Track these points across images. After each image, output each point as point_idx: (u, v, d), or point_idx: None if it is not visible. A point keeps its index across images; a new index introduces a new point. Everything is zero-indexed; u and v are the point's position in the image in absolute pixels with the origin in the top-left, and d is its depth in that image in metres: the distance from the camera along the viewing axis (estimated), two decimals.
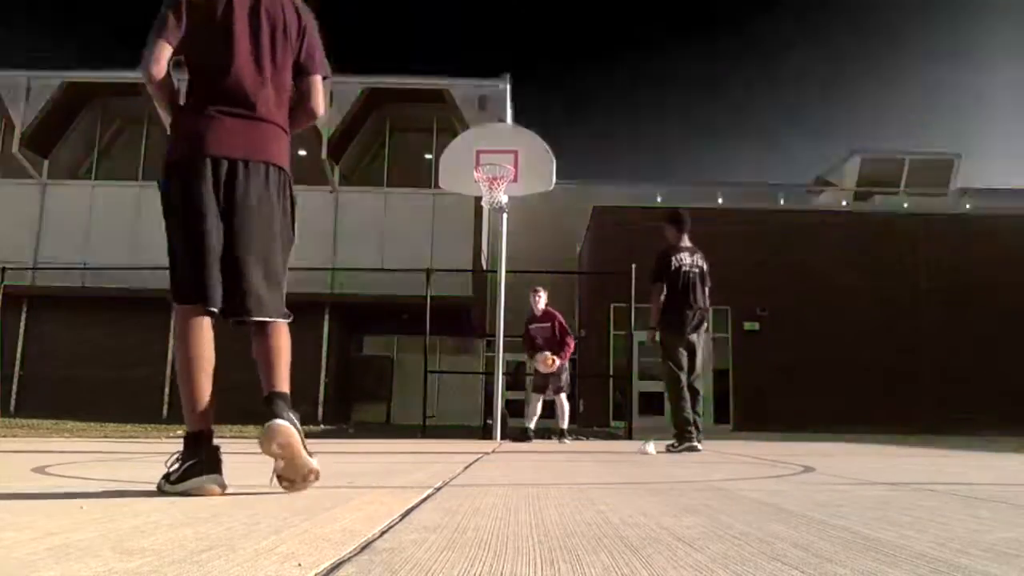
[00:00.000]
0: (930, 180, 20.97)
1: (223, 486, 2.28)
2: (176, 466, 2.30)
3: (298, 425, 2.28)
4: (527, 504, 2.17)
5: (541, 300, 8.43)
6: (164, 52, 2.36)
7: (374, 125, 19.22)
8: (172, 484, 2.27)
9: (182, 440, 2.37)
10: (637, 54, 73.92)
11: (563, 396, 8.36)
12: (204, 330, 2.35)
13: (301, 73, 2.56)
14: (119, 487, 2.57)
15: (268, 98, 2.43)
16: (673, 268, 6.10)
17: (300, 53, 2.53)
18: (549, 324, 8.37)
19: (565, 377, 8.39)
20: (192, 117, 2.37)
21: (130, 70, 21.97)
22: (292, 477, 2.27)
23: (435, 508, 2.06)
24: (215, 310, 2.35)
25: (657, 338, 6.23)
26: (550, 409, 8.51)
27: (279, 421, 2.22)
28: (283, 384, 2.38)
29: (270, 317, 2.40)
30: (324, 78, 2.63)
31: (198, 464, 2.27)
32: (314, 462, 2.28)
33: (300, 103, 2.58)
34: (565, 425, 8.37)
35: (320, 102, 2.60)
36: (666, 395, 6.24)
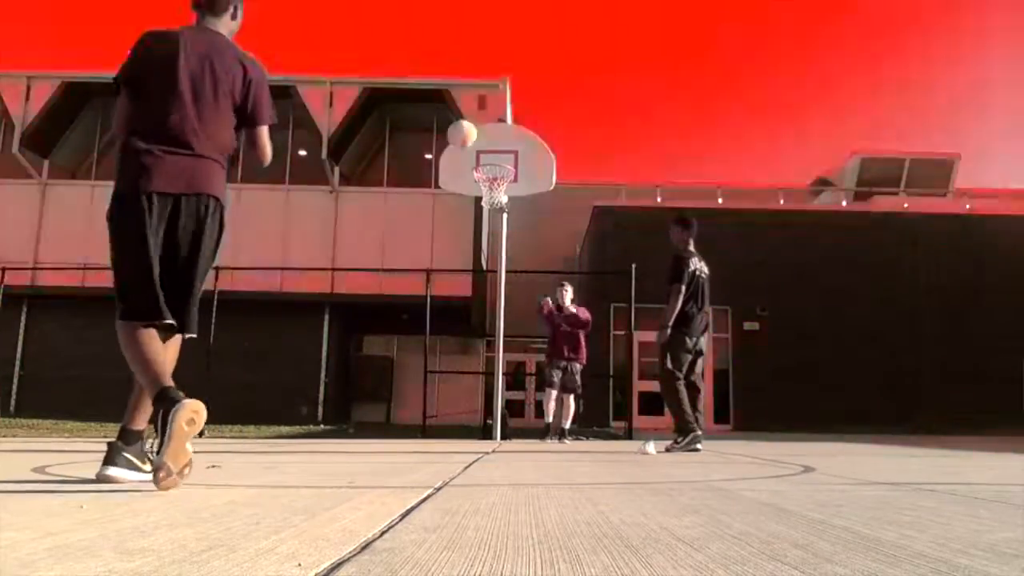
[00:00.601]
0: (930, 180, 20.96)
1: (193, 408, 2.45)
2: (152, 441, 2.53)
3: (134, 460, 2.65)
4: (527, 504, 2.17)
5: (568, 294, 8.54)
6: (122, 114, 2.74)
7: (374, 125, 19.22)
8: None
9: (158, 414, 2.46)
10: (638, 53, 73.94)
11: (571, 397, 8.40)
12: (153, 336, 2.65)
13: (248, 122, 2.87)
14: (119, 487, 2.57)
15: (205, 138, 2.73)
16: (690, 271, 6.12)
17: (247, 103, 2.82)
18: (578, 317, 8.46)
19: (579, 377, 8.45)
20: (138, 154, 2.65)
21: None
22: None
23: (435, 508, 2.06)
24: (171, 323, 2.68)
25: (662, 339, 6.22)
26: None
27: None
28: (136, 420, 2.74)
29: (195, 334, 2.79)
30: (270, 126, 2.96)
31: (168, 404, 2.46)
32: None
33: (250, 149, 2.95)
34: (567, 424, 8.35)
35: (266, 151, 2.97)
36: (665, 395, 6.23)
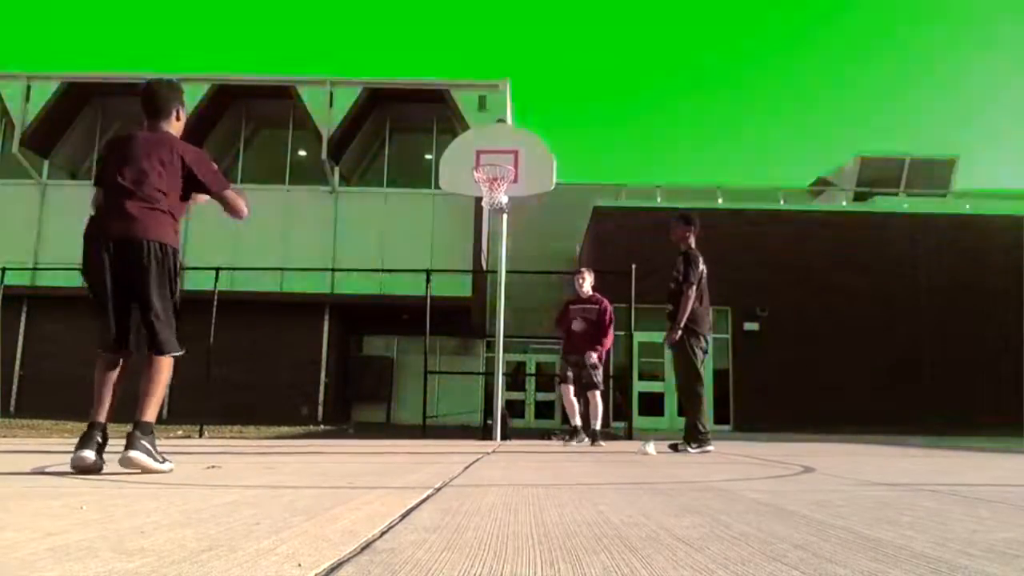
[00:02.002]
0: (930, 181, 20.96)
1: (90, 459, 3.11)
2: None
3: (150, 448, 3.15)
4: (527, 504, 2.17)
5: (587, 282, 7.63)
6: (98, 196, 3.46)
7: (374, 125, 19.23)
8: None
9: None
10: (638, 53, 73.97)
11: (597, 394, 7.41)
12: (112, 367, 3.33)
13: (207, 191, 3.58)
14: (119, 487, 2.57)
15: (155, 197, 3.35)
16: (699, 270, 6.08)
17: (195, 177, 3.48)
18: (596, 307, 7.51)
19: (599, 372, 7.42)
20: (104, 209, 3.37)
21: (130, 70, 22.00)
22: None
23: (435, 508, 2.06)
24: (132, 352, 3.32)
25: (671, 339, 6.15)
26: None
27: (132, 453, 3.05)
28: (146, 413, 3.25)
29: (167, 352, 3.33)
30: (227, 190, 3.63)
31: (82, 440, 3.15)
32: (165, 467, 3.21)
33: (227, 212, 3.69)
34: (598, 425, 7.43)
35: (239, 208, 3.67)
36: (688, 398, 6.10)
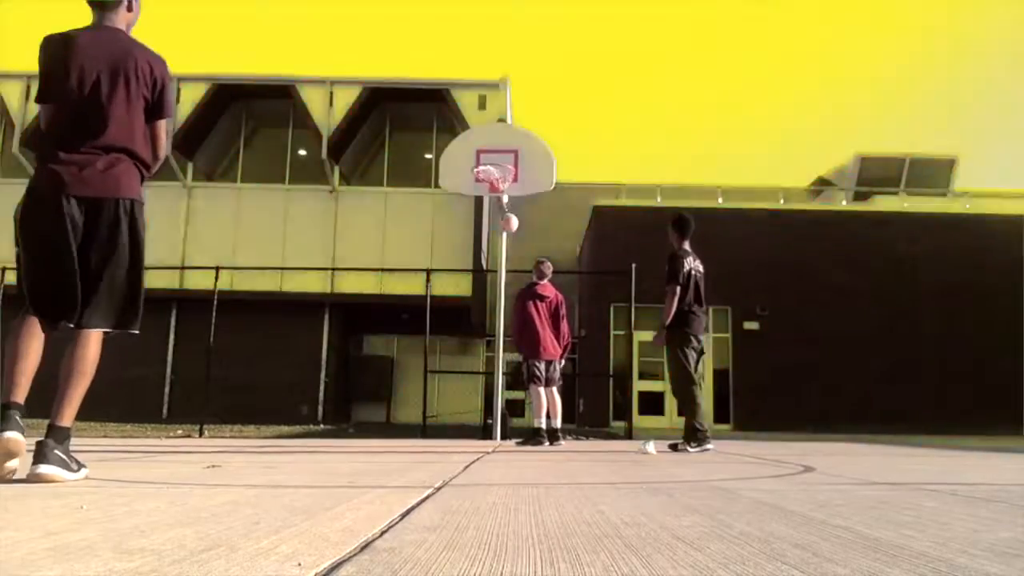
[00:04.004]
0: (930, 180, 20.97)
1: (18, 439, 2.62)
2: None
3: (64, 459, 2.71)
4: (527, 504, 2.17)
5: (548, 270, 7.38)
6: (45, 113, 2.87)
7: (374, 125, 19.23)
8: None
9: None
10: (638, 53, 73.94)
11: (555, 390, 7.19)
12: (36, 334, 2.74)
13: (150, 117, 2.93)
14: (119, 487, 2.57)
15: (120, 135, 2.81)
16: (686, 270, 6.11)
17: (152, 97, 2.90)
18: (552, 297, 7.28)
19: (558, 367, 7.26)
20: (55, 153, 2.77)
21: None
22: None
23: (435, 508, 2.06)
24: (70, 324, 2.77)
25: (659, 340, 6.20)
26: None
27: (43, 469, 2.62)
28: (65, 415, 2.75)
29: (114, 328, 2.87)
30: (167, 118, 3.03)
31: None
32: (81, 475, 2.78)
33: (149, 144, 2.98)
34: (559, 424, 7.26)
35: (163, 144, 3.00)
36: (682, 397, 6.12)
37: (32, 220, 2.76)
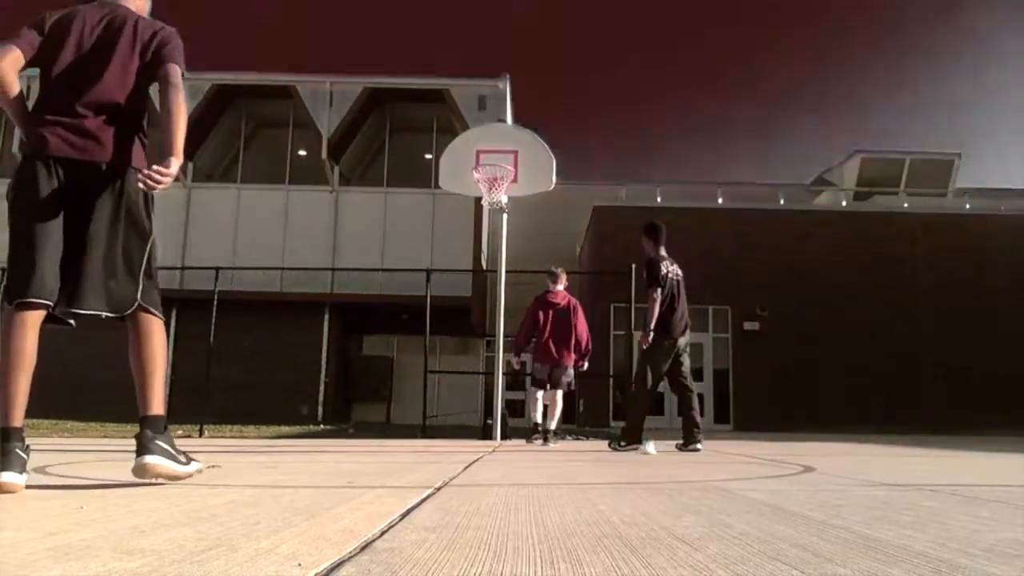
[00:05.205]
0: (930, 180, 20.96)
1: (16, 483, 2.26)
2: None
3: (169, 449, 2.50)
4: (527, 504, 2.17)
5: (561, 281, 7.75)
6: (9, 52, 2.62)
7: (374, 125, 19.24)
8: None
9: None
10: (638, 53, 73.99)
11: (559, 393, 7.46)
12: (30, 329, 2.41)
13: (156, 64, 2.64)
14: (119, 487, 2.57)
15: (113, 104, 2.57)
16: (663, 275, 6.31)
17: (155, 56, 2.64)
18: (565, 304, 7.63)
19: (571, 372, 7.56)
20: (42, 121, 2.55)
21: None
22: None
23: (435, 508, 2.06)
24: (49, 303, 2.42)
25: (644, 342, 6.31)
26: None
27: (149, 459, 2.43)
28: (154, 403, 2.53)
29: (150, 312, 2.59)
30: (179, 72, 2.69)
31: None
32: (191, 468, 2.57)
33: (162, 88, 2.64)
34: (553, 425, 7.46)
35: (172, 91, 2.61)
36: (629, 398, 6.34)
37: (16, 189, 2.50)
